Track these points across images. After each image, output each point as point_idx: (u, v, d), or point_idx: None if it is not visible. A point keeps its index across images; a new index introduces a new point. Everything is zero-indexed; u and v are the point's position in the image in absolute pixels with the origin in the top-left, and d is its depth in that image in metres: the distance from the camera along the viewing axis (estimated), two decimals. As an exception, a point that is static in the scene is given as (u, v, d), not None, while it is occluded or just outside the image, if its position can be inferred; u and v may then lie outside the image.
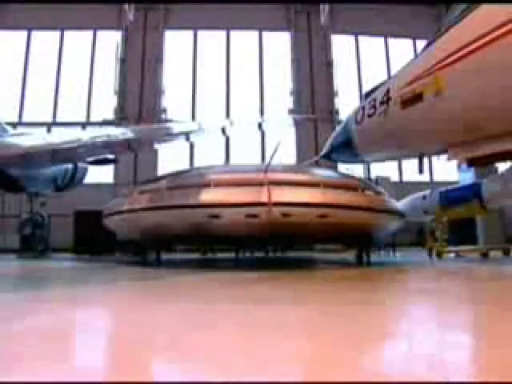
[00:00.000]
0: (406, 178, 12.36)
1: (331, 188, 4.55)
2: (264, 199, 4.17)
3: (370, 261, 4.86)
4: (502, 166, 6.90)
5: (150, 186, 5.22)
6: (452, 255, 6.46)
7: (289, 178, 4.68)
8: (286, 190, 4.36)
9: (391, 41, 14.06)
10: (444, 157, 5.11)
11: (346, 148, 5.38)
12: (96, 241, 7.80)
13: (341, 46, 13.83)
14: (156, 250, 5.09)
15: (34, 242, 7.91)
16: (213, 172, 5.04)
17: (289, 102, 13.10)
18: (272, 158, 4.72)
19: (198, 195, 4.48)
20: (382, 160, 5.91)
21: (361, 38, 14.06)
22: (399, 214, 5.24)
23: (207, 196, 4.43)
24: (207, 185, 4.54)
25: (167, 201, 4.64)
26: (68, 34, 13.41)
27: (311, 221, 4.27)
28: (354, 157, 5.46)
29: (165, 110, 12.81)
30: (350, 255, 7.49)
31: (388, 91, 4.93)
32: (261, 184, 4.32)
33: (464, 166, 5.69)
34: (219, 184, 4.53)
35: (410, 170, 10.86)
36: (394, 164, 12.05)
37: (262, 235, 4.51)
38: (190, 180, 4.98)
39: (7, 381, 0.88)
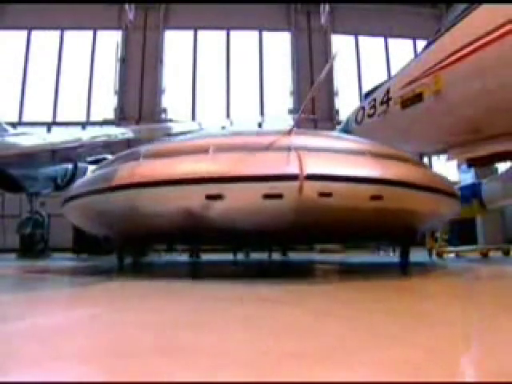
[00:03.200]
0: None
1: (382, 158, 3.27)
2: (292, 169, 2.85)
3: (408, 262, 3.68)
4: (502, 166, 6.91)
5: (121, 156, 3.73)
6: (452, 255, 6.46)
7: (324, 142, 3.39)
8: (324, 158, 3.07)
9: (391, 41, 14.06)
10: (444, 157, 5.12)
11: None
12: (95, 241, 7.81)
13: (341, 46, 13.82)
14: (132, 251, 3.93)
15: (33, 242, 7.91)
16: (212, 135, 3.78)
17: (289, 102, 13.10)
18: (302, 109, 3.55)
19: (190, 164, 3.09)
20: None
21: (361, 38, 14.06)
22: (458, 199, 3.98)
23: (204, 165, 3.05)
24: (204, 150, 3.15)
25: (143, 174, 3.13)
26: (68, 33, 13.40)
27: (361, 205, 2.98)
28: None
29: (165, 110, 12.82)
30: (351, 255, 7.45)
31: (388, 91, 4.93)
32: (286, 149, 3.04)
33: (464, 166, 5.69)
34: (222, 149, 3.15)
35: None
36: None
37: (286, 228, 3.08)
38: (177, 144, 3.61)
39: (7, 381, 0.88)
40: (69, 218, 4.34)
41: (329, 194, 2.86)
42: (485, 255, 6.26)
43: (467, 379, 0.92)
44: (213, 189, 2.89)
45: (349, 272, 4.11)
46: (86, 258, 6.91)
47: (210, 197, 2.89)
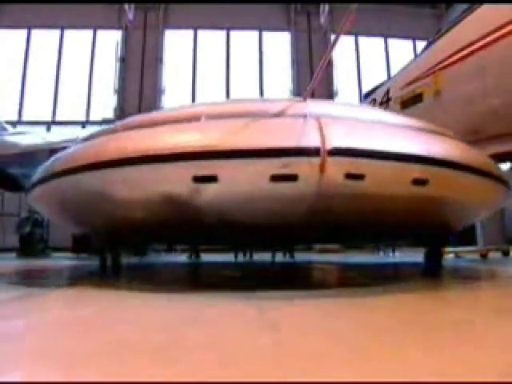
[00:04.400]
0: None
1: (424, 132, 2.65)
2: (311, 141, 2.18)
3: (441, 264, 3.16)
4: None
5: (99, 130, 3.02)
6: (451, 256, 6.46)
7: (349, 111, 2.69)
8: (353, 128, 2.38)
9: (391, 41, 14.07)
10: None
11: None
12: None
13: (341, 46, 13.83)
14: (111, 251, 3.19)
15: (33, 241, 7.91)
16: (208, 103, 3.01)
17: (288, 102, 13.10)
18: (315, 78, 2.71)
19: (172, 135, 2.40)
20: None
21: (360, 39, 14.07)
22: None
23: (191, 135, 2.36)
24: (194, 118, 2.47)
25: (112, 150, 2.44)
26: (68, 33, 13.40)
27: (400, 191, 2.35)
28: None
29: (164, 110, 12.82)
30: (352, 256, 7.42)
31: (388, 91, 4.93)
32: (302, 116, 2.36)
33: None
34: (218, 116, 2.47)
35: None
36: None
37: (300, 222, 2.42)
38: (162, 115, 2.88)
39: (7, 381, 0.88)
40: (36, 208, 3.71)
41: (360, 177, 2.19)
42: (484, 256, 6.26)
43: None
44: (203, 168, 2.19)
45: (369, 277, 3.43)
46: (86, 258, 6.90)
47: (198, 179, 2.20)
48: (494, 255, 6.46)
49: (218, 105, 2.91)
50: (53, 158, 3.06)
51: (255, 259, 6.03)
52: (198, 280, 3.41)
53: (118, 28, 13.30)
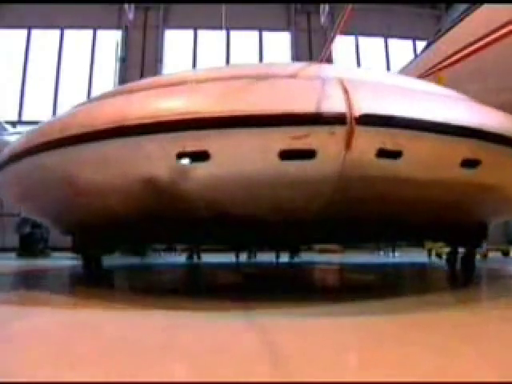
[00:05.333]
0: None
1: (464, 102, 2.25)
2: (334, 105, 1.70)
3: (474, 269, 2.77)
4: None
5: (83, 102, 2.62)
6: (451, 256, 6.46)
7: (375, 76, 2.30)
8: (386, 91, 1.94)
9: (391, 41, 14.06)
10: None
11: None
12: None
13: (341, 46, 13.82)
14: (89, 250, 2.76)
15: (32, 241, 7.91)
16: (202, 69, 2.54)
17: (288, 102, 13.09)
18: (328, 44, 2.14)
19: (154, 101, 1.88)
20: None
21: (361, 39, 14.06)
22: None
23: (177, 101, 1.84)
24: (179, 83, 2.00)
25: (83, 122, 1.94)
26: (68, 32, 13.39)
27: (446, 174, 1.90)
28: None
29: (164, 110, 12.81)
30: (353, 256, 7.39)
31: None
32: (318, 78, 1.90)
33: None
34: (211, 79, 1.98)
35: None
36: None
37: (317, 215, 1.96)
38: (144, 81, 2.39)
39: (7, 381, 0.88)
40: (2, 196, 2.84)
41: (396, 154, 1.73)
42: (484, 256, 6.26)
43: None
44: (189, 141, 1.70)
45: (392, 283, 3.06)
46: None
47: (184, 156, 1.74)
48: (494, 255, 6.46)
49: (214, 68, 2.42)
50: (22, 135, 2.52)
51: (258, 260, 5.74)
52: (191, 288, 2.90)
53: (118, 28, 13.29)
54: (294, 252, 5.92)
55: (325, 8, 13.53)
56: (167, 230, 2.28)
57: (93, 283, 2.77)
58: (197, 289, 2.79)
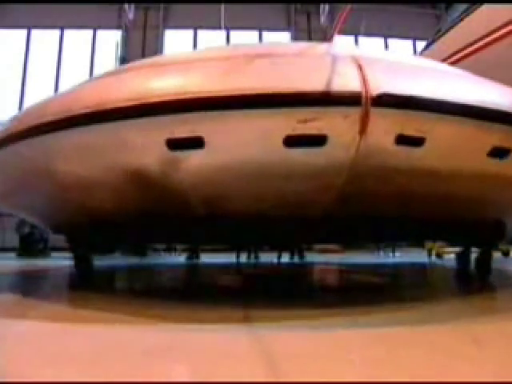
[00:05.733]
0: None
1: (489, 83, 1.95)
2: (347, 84, 1.48)
3: (490, 270, 2.60)
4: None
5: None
6: (452, 256, 6.46)
7: (389, 55, 2.22)
8: (405, 70, 1.73)
9: (391, 41, 14.06)
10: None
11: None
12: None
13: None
14: (79, 250, 2.63)
15: (32, 241, 7.91)
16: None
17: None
18: (344, 14, 2.17)
19: (141, 81, 1.66)
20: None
21: (361, 39, 14.06)
22: None
23: (167, 80, 1.62)
24: (170, 63, 1.81)
25: (62, 106, 1.74)
26: (68, 32, 13.39)
27: (472, 166, 1.70)
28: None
29: (164, 110, 12.80)
30: (354, 256, 7.37)
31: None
32: (330, 56, 1.69)
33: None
34: (202, 59, 1.78)
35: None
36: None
37: (326, 211, 1.76)
38: (128, 66, 2.15)
39: (7, 381, 0.88)
40: None
41: (418, 141, 1.52)
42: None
43: None
44: (180, 126, 1.50)
45: (408, 286, 2.83)
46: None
47: (175, 144, 1.53)
48: (494, 255, 6.45)
49: (209, 48, 2.19)
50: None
51: (259, 260, 5.59)
52: (187, 293, 2.61)
53: (118, 28, 13.28)
54: (298, 253, 5.75)
55: (325, 8, 13.53)
56: (160, 229, 2.04)
57: (82, 286, 2.61)
58: (192, 294, 2.44)
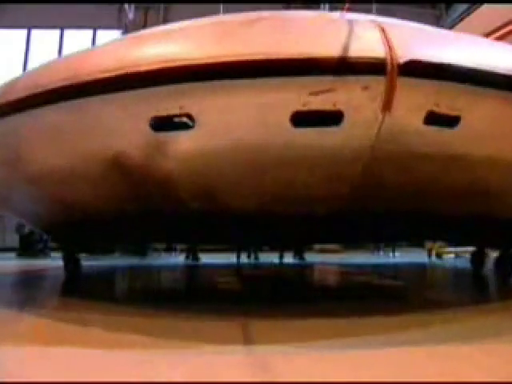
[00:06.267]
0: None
1: None
2: (369, 49, 1.16)
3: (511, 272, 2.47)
4: None
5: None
6: (452, 256, 6.46)
7: (418, 25, 1.95)
8: (431, 35, 1.51)
9: (391, 41, 14.08)
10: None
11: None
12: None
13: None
14: (66, 251, 2.43)
15: (32, 241, 7.91)
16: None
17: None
18: None
19: (117, 50, 1.39)
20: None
21: (361, 39, 14.09)
22: None
23: (150, 48, 1.30)
24: (154, 33, 1.59)
25: (30, 82, 1.46)
26: (68, 32, 13.39)
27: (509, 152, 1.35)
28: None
29: (164, 110, 12.79)
30: (355, 255, 7.33)
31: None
32: (345, 21, 1.36)
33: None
34: (194, 26, 1.63)
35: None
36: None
37: (343, 208, 1.45)
38: (111, 40, 1.91)
39: (7, 381, 0.88)
40: None
41: (451, 120, 1.23)
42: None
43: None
44: (165, 101, 1.21)
45: (420, 290, 2.58)
46: (87, 258, 6.87)
47: (161, 123, 1.26)
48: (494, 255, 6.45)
49: (205, 18, 1.95)
50: None
51: (260, 261, 5.48)
52: (183, 299, 2.25)
53: (118, 28, 13.28)
54: (299, 253, 5.60)
55: (325, 8, 13.51)
56: (148, 227, 1.71)
57: (69, 290, 2.43)
58: (187, 302, 2.09)
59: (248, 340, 1.27)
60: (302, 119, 1.23)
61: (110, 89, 1.26)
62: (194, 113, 1.22)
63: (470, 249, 6.54)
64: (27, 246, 7.83)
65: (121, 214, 1.64)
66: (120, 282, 3.23)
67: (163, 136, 1.31)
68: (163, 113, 1.24)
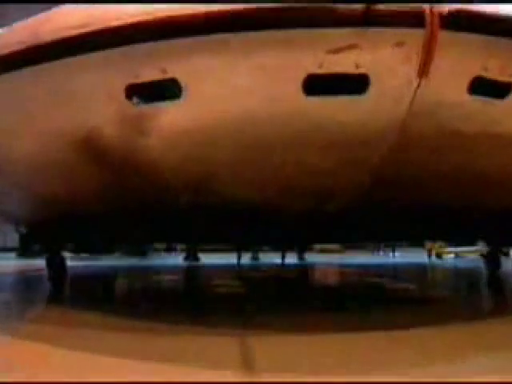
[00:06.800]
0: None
1: None
2: None
3: None
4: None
5: None
6: (451, 256, 6.47)
7: None
8: None
9: (391, 41, 14.07)
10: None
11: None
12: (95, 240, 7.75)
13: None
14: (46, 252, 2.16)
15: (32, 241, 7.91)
16: None
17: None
18: None
19: (84, 6, 1.04)
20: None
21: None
22: None
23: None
24: None
25: None
26: (68, 33, 13.43)
27: None
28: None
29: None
30: (356, 255, 7.28)
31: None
32: None
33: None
34: None
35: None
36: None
37: (362, 199, 1.16)
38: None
39: (7, 381, 0.87)
40: None
41: (503, 88, 1.03)
42: (484, 256, 6.24)
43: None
44: (145, 64, 1.01)
45: (441, 295, 2.30)
46: (87, 258, 6.86)
47: (140, 92, 1.07)
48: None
49: None
50: None
51: (261, 261, 5.39)
52: (177, 309, 1.84)
53: (118, 28, 13.31)
54: (300, 253, 5.49)
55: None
56: (133, 224, 1.49)
57: (54, 295, 2.14)
58: (178, 314, 1.67)
59: (247, 364, 1.00)
60: (316, 86, 0.97)
61: (76, 50, 1.03)
62: (180, 78, 0.99)
63: (471, 249, 6.55)
64: (27, 246, 7.82)
65: (101, 209, 1.38)
66: (110, 287, 3.04)
67: (144, 109, 1.06)
68: (142, 79, 1.01)
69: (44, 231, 1.92)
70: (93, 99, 1.09)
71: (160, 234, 1.71)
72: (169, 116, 1.05)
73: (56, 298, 2.09)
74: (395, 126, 1.01)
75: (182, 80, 0.99)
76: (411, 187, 1.20)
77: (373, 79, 0.96)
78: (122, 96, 1.04)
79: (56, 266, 2.14)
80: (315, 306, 1.82)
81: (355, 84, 0.98)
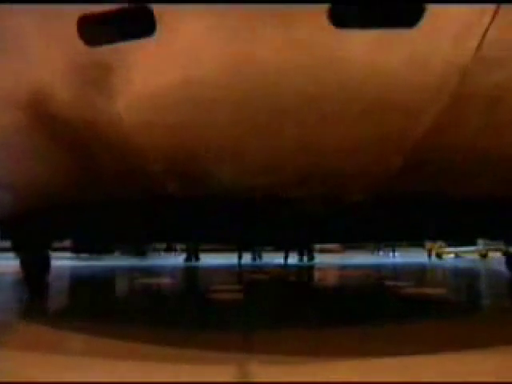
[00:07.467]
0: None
1: None
2: None
3: None
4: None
5: None
6: (452, 256, 6.47)
7: None
8: None
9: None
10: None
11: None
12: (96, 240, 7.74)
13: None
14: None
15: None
16: None
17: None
18: None
19: None
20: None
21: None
22: None
23: None
24: None
25: None
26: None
27: None
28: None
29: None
30: (357, 255, 7.29)
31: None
32: None
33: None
34: None
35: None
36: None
37: (385, 185, 0.80)
38: None
39: (7, 381, 0.87)
40: None
41: None
42: (484, 256, 6.25)
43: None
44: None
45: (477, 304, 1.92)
46: (87, 258, 6.85)
47: (96, 30, 0.71)
48: (493, 255, 6.45)
49: None
50: None
51: (263, 262, 5.26)
52: (171, 320, 1.47)
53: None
54: (300, 253, 5.42)
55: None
56: (110, 218, 1.16)
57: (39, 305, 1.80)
58: (180, 321, 1.45)
59: (247, 363, 0.91)
60: (345, 15, 0.67)
61: None
62: (153, 7, 0.66)
63: (471, 248, 6.54)
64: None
65: (76, 198, 1.04)
66: (107, 290, 2.84)
67: (104, 53, 0.70)
68: (100, 7, 0.68)
69: (11, 226, 1.55)
70: (35, 42, 0.76)
71: (154, 231, 1.36)
72: (138, 64, 0.71)
73: (40, 305, 1.80)
74: (452, 80, 0.68)
75: (157, 10, 0.66)
76: (450, 173, 0.88)
77: (429, 7, 0.64)
78: (75, 36, 0.70)
79: (33, 266, 1.78)
80: (324, 316, 1.57)
81: (403, 11, 0.66)
